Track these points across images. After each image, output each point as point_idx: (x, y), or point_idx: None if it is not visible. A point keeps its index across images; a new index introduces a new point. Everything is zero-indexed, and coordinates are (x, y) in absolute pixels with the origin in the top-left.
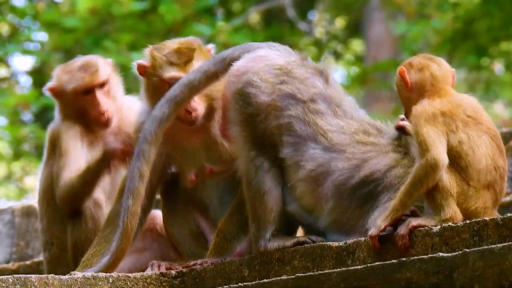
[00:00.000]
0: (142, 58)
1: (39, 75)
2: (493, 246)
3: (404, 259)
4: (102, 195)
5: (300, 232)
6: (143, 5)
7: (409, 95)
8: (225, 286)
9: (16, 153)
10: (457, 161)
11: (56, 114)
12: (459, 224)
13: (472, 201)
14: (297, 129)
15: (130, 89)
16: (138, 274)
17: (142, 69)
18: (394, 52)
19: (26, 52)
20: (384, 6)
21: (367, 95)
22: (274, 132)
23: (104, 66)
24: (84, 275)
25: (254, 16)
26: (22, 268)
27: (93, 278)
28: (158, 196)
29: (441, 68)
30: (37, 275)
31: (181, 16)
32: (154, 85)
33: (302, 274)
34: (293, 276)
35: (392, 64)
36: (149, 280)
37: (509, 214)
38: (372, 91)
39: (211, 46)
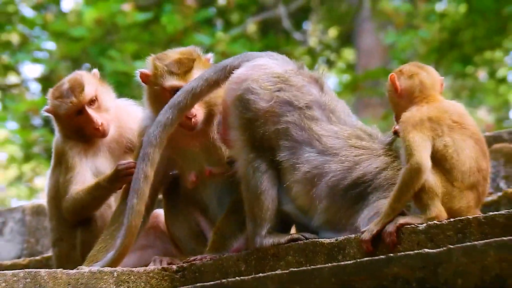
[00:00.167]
0: (145, 67)
1: (48, 82)
2: (475, 243)
3: (391, 255)
4: (112, 196)
5: (293, 231)
6: (146, 16)
7: (399, 100)
8: (223, 280)
9: (27, 155)
10: (442, 163)
11: (57, 131)
12: (443, 222)
13: (456, 200)
14: (293, 134)
15: (133, 96)
16: (141, 269)
17: (144, 77)
18: (384, 61)
19: (36, 60)
20: (374, 17)
21: (358, 102)
22: (272, 136)
23: (89, 83)
24: (90, 270)
25: (251, 26)
26: (33, 263)
27: (99, 272)
28: (160, 196)
29: (430, 75)
30: (47, 269)
31: (182, 26)
32: (156, 93)
33: (295, 269)
34: (287, 271)
35: (382, 72)
36: (151, 274)
37: (491, 213)
38: (363, 98)
39: (210, 55)
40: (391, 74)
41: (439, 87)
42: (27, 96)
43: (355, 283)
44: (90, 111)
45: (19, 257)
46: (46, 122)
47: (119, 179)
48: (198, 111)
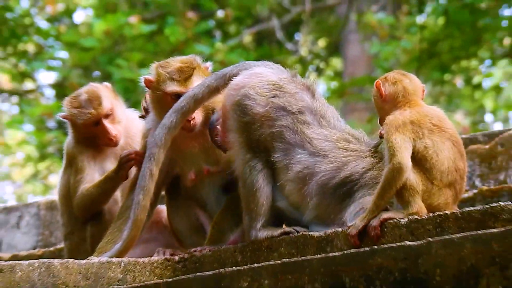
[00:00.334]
0: (149, 74)
1: (61, 88)
2: (453, 236)
3: (376, 247)
4: (118, 192)
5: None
6: (151, 27)
7: (384, 105)
8: (221, 270)
9: (42, 155)
10: (423, 163)
11: (70, 135)
12: (423, 217)
13: (435, 197)
14: (287, 137)
15: (138, 101)
16: (146, 259)
17: (148, 83)
18: (369, 69)
19: (50, 68)
20: (360, 29)
21: (345, 106)
22: (267, 138)
23: (106, 97)
24: (99, 260)
25: (247, 37)
26: (47, 254)
27: (107, 262)
28: (163, 193)
29: (412, 82)
30: (59, 259)
31: (184, 37)
32: (158, 97)
33: (287, 260)
34: (280, 262)
35: (367, 79)
36: (155, 264)
37: (467, 209)
38: (349, 103)
39: (209, 64)
40: (376, 80)
41: (420, 93)
42: (42, 101)
43: (342, 273)
44: (106, 122)
45: (34, 248)
46: (60, 125)
47: (122, 167)
48: (197, 114)
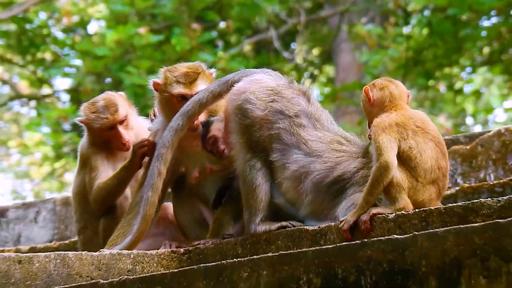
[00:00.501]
0: (157, 78)
1: (75, 93)
2: (437, 230)
3: (366, 240)
4: (128, 189)
5: None
6: (158, 37)
7: (372, 109)
8: (223, 261)
9: (58, 155)
10: (407, 162)
11: (85, 137)
12: (410, 212)
13: (420, 194)
14: (284, 138)
15: (147, 106)
16: (153, 252)
17: (156, 85)
18: (359, 76)
19: (65, 75)
20: (350, 39)
21: (337, 110)
22: (266, 140)
23: (122, 105)
24: (111, 252)
25: (247, 46)
26: (62, 247)
27: (118, 254)
28: (169, 191)
29: (398, 88)
30: (74, 252)
31: (189, 46)
32: (165, 99)
33: (284, 252)
34: (277, 254)
35: (357, 85)
36: (162, 256)
37: (450, 204)
38: (341, 107)
39: (213, 70)
40: (365, 86)
41: (406, 98)
42: (58, 105)
43: (335, 264)
44: (120, 128)
45: (50, 241)
46: (74, 127)
47: (136, 154)
48: (200, 116)
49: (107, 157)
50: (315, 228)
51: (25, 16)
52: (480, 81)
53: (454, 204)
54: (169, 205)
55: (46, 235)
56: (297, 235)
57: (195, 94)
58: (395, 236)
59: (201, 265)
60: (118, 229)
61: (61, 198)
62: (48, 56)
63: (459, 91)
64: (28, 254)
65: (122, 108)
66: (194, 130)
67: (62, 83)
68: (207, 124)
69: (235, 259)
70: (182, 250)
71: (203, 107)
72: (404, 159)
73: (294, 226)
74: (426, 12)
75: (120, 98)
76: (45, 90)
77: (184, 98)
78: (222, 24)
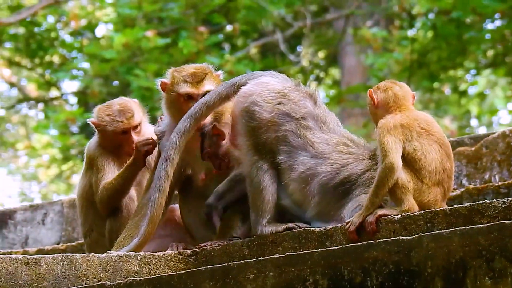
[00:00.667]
0: (165, 78)
1: (83, 96)
2: (442, 231)
3: (372, 241)
4: (134, 191)
5: None
6: (165, 41)
7: (377, 111)
8: (230, 263)
9: (65, 157)
10: (412, 164)
11: (95, 137)
12: (415, 213)
13: (425, 195)
14: (291, 140)
15: (154, 108)
16: (161, 253)
17: (163, 85)
18: (364, 78)
19: (73, 77)
20: (356, 42)
21: (342, 112)
22: (273, 142)
23: (137, 110)
24: (118, 254)
25: (253, 49)
26: (69, 248)
27: (125, 256)
28: (176, 193)
29: (402, 89)
30: (81, 253)
31: (196, 49)
32: (172, 98)
33: (290, 253)
34: (283, 255)
35: (362, 87)
36: (169, 257)
37: (455, 206)
38: (346, 109)
39: (220, 72)
40: (369, 89)
41: (410, 99)
42: (66, 108)
43: (341, 265)
44: (133, 134)
45: (58, 243)
46: (82, 130)
47: (140, 151)
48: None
49: (114, 160)
50: (322, 229)
51: (34, 20)
52: (484, 83)
53: (460, 206)
54: (176, 207)
55: (53, 237)
56: (304, 237)
57: (201, 94)
58: (401, 237)
59: (208, 266)
60: (125, 231)
61: (69, 200)
62: (56, 59)
63: (464, 93)
64: (35, 256)
65: (137, 114)
66: (199, 130)
67: (70, 86)
68: (202, 136)
69: (241, 261)
70: (189, 251)
71: (210, 109)
72: (409, 161)
73: (300, 227)
74: (431, 15)
75: (135, 104)
76: (53, 92)
77: (190, 97)
78: (228, 27)
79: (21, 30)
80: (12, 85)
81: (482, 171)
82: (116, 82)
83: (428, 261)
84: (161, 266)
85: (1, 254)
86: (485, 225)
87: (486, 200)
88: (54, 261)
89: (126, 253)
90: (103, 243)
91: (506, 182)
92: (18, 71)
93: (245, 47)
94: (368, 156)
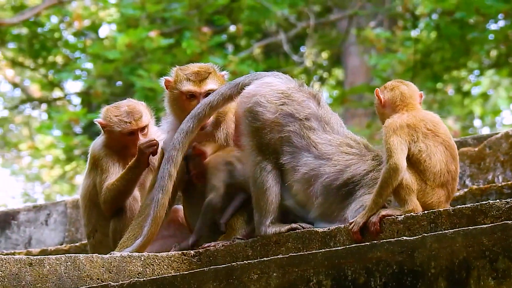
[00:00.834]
0: (169, 76)
1: (86, 96)
2: (445, 231)
3: (375, 241)
4: (138, 192)
5: None
6: (169, 41)
7: (383, 110)
8: (233, 263)
9: (69, 157)
10: (417, 165)
11: (100, 138)
12: (419, 214)
13: (429, 196)
14: (294, 141)
15: (158, 108)
16: (164, 254)
17: (167, 83)
18: (367, 79)
19: (76, 78)
20: (359, 42)
21: (346, 112)
22: (276, 142)
23: (145, 113)
24: (121, 254)
25: (256, 50)
26: (73, 249)
27: (129, 257)
28: (179, 194)
29: (409, 88)
30: (84, 254)
31: (199, 50)
32: (174, 96)
33: (294, 254)
34: (287, 255)
35: (366, 88)
36: (172, 258)
37: (458, 206)
38: (350, 109)
39: (224, 72)
40: (376, 89)
41: (418, 98)
42: (69, 108)
43: (344, 265)
44: (140, 135)
45: (61, 244)
46: (85, 130)
47: (142, 152)
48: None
49: (119, 161)
50: (325, 230)
51: (37, 20)
52: (487, 84)
53: (463, 206)
54: (179, 208)
55: (57, 237)
56: (307, 237)
57: (204, 93)
58: (404, 237)
59: (211, 267)
60: (128, 231)
61: (72, 201)
62: (59, 59)
63: (467, 94)
64: (39, 257)
65: (145, 116)
66: (202, 129)
67: (73, 86)
68: (186, 160)
69: (245, 261)
70: (192, 252)
71: (214, 110)
72: (414, 162)
73: (304, 228)
74: (434, 16)
75: (143, 107)
76: (56, 93)
77: (192, 96)
78: (232, 28)
79: (24, 31)
80: (15, 85)
81: (485, 172)
82: (119, 83)
83: (432, 262)
84: (165, 266)
85: (4, 255)
86: (489, 225)
87: (489, 201)
88: (57, 262)
89: (130, 254)
90: (107, 243)
91: (509, 182)
92: (22, 72)
93: (249, 48)
94: (371, 157)
